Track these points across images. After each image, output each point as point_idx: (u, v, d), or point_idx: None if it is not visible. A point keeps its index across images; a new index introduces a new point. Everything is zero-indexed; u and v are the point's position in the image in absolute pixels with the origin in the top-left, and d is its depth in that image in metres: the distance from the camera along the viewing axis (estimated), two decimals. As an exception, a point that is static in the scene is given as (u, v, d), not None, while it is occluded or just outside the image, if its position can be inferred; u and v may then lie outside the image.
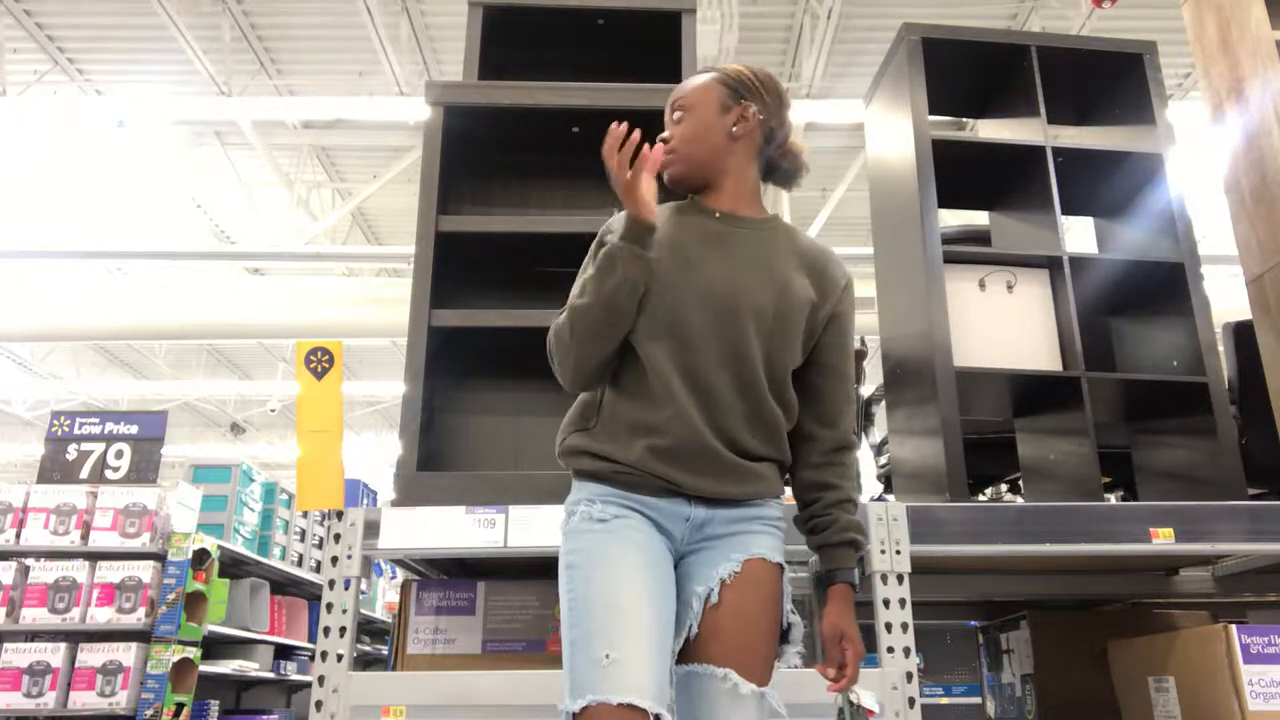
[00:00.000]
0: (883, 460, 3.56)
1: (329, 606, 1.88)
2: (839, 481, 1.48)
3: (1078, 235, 5.83)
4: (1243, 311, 2.64)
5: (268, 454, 14.71)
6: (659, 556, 1.36)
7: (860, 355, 3.80)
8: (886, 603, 1.89)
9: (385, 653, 5.72)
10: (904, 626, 1.87)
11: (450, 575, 2.49)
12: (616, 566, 1.30)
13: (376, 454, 13.86)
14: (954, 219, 5.81)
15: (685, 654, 1.34)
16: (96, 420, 4.16)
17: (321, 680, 1.82)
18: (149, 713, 3.61)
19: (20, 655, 3.64)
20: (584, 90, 2.43)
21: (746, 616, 1.36)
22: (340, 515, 1.94)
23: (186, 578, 3.81)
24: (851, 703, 1.40)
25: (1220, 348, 2.55)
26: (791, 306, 1.45)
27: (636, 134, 1.35)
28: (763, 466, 1.44)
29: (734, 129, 1.52)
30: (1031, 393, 2.49)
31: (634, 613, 1.25)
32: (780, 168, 1.59)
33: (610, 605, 1.26)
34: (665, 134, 1.55)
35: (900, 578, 1.92)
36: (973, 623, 2.91)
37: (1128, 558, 2.28)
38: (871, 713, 1.40)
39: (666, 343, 1.40)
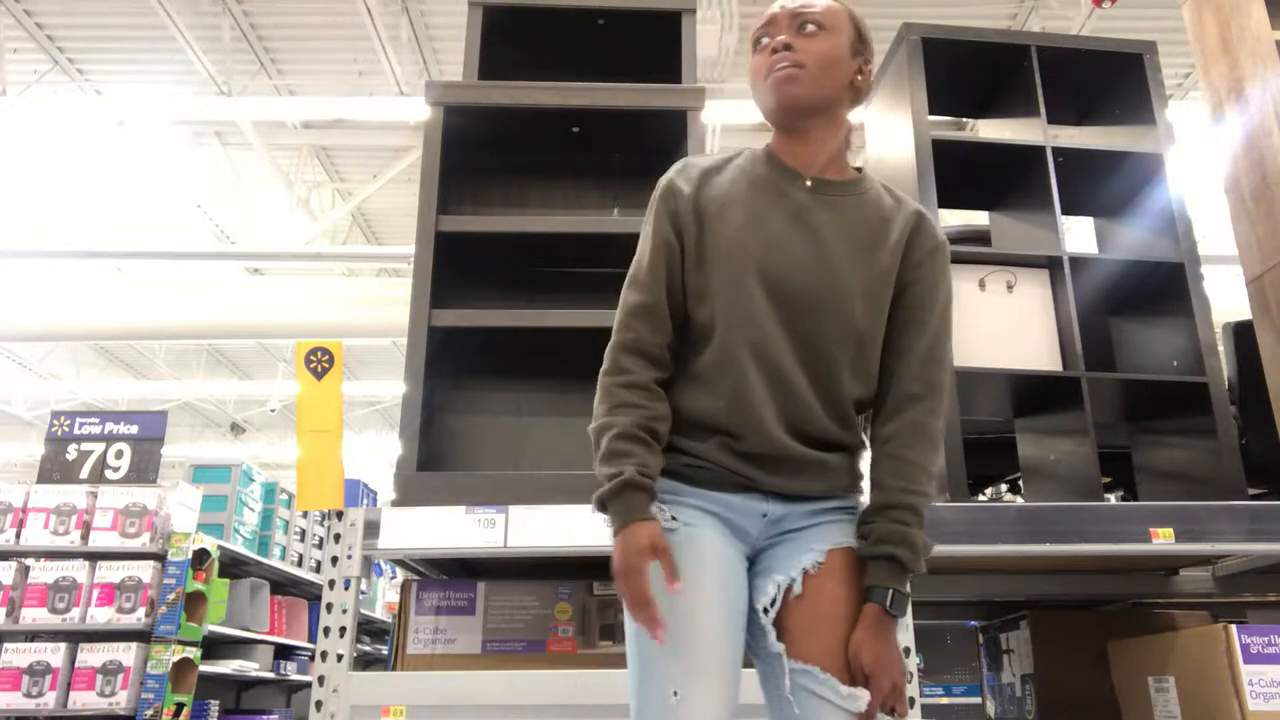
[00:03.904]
0: (883, 460, 3.55)
1: (329, 606, 1.88)
2: (886, 479, 1.28)
3: (1078, 235, 5.83)
4: (1243, 311, 2.64)
5: (268, 454, 14.70)
6: (730, 570, 1.26)
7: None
8: (886, 603, 1.89)
9: (385, 653, 5.72)
10: (904, 626, 1.87)
11: (450, 575, 2.49)
12: (685, 590, 1.20)
13: (376, 454, 13.86)
14: (954, 219, 5.80)
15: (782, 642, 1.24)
16: (96, 420, 4.17)
17: (321, 680, 1.82)
18: (149, 713, 3.61)
19: (20, 655, 3.64)
20: (584, 90, 2.42)
21: (828, 610, 1.24)
22: (340, 515, 1.94)
23: (186, 578, 3.81)
24: None
25: (1220, 348, 2.55)
26: (879, 287, 1.32)
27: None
28: (840, 458, 1.32)
29: (858, 78, 1.36)
30: (1031, 393, 2.49)
31: (704, 645, 1.18)
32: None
33: (678, 635, 1.18)
34: (785, 39, 1.31)
35: (900, 578, 1.92)
36: (973, 623, 2.91)
37: (1128, 558, 2.28)
38: None
39: (742, 329, 1.27)
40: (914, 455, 1.28)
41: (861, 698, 1.17)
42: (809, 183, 1.35)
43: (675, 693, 1.15)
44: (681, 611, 1.19)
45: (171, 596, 3.77)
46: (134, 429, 4.15)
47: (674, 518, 1.26)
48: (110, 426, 4.14)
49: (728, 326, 1.28)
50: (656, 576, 1.20)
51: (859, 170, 1.42)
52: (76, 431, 4.13)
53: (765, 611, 1.25)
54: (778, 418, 1.27)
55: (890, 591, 1.22)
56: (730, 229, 1.31)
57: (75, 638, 3.74)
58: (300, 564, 5.48)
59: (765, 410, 1.27)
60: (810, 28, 1.32)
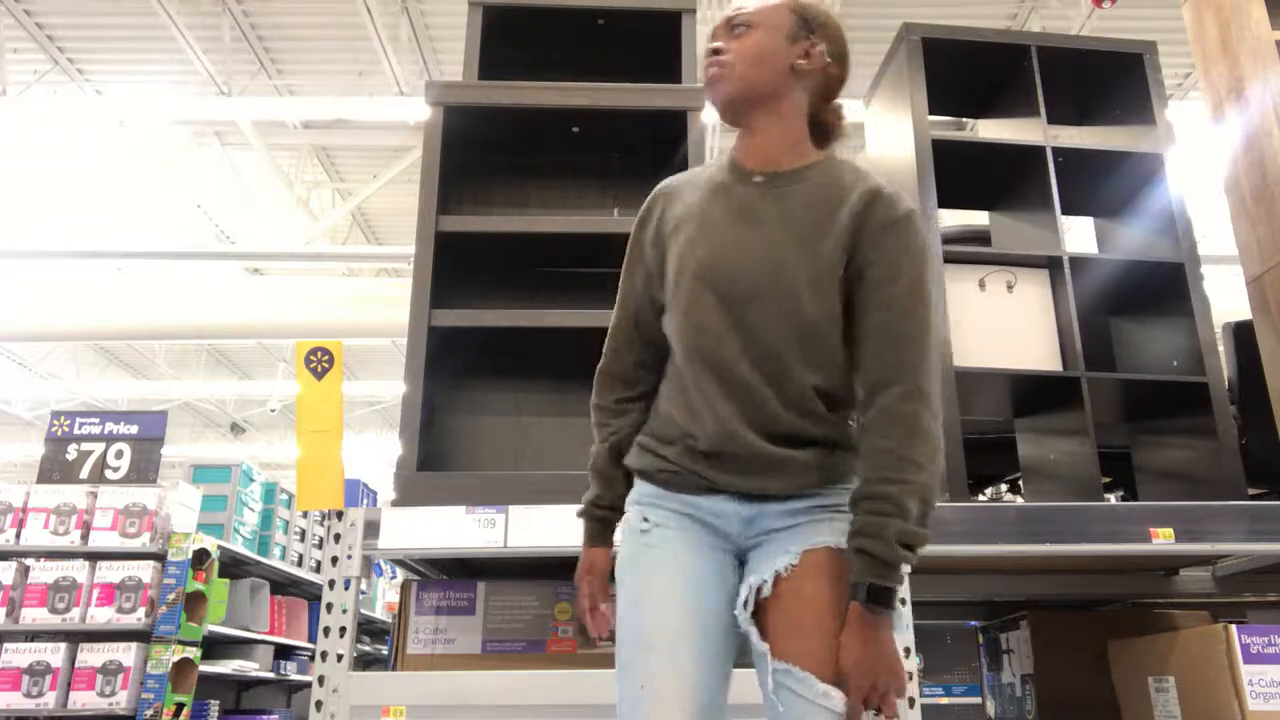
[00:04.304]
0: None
1: (329, 606, 1.88)
2: (865, 471, 1.26)
3: (1078, 235, 5.82)
4: (1243, 311, 2.64)
5: (268, 454, 14.71)
6: (701, 569, 1.30)
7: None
8: (886, 603, 1.88)
9: (385, 653, 5.72)
10: (904, 626, 1.87)
11: (450, 575, 2.50)
12: (651, 590, 1.28)
13: (376, 454, 13.86)
14: (954, 219, 5.80)
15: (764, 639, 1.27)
16: (96, 420, 4.16)
17: (321, 680, 1.82)
18: (149, 713, 3.61)
19: (20, 655, 3.64)
20: (584, 90, 2.43)
21: (807, 609, 1.23)
22: (340, 515, 1.94)
23: (186, 578, 3.81)
24: None
25: (1220, 348, 2.55)
26: (825, 272, 1.28)
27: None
28: (810, 455, 1.30)
29: (800, 62, 1.35)
30: (1031, 393, 2.49)
31: (667, 642, 1.23)
32: (822, 123, 1.42)
33: (644, 630, 1.25)
34: (717, 44, 1.37)
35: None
36: (973, 623, 2.91)
37: (1128, 558, 2.28)
38: None
39: (693, 336, 1.32)
40: (891, 444, 1.22)
41: (834, 697, 1.17)
42: (759, 179, 1.37)
43: (643, 686, 1.20)
44: (647, 611, 1.26)
45: (171, 596, 3.77)
46: (134, 429, 4.15)
47: (646, 519, 1.34)
48: (110, 426, 4.14)
49: (684, 334, 1.34)
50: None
51: (819, 159, 1.39)
52: (76, 431, 4.13)
53: (742, 613, 1.29)
54: (738, 417, 1.29)
55: (867, 586, 1.18)
56: (681, 243, 1.37)
57: (75, 638, 3.73)
58: (300, 564, 5.48)
59: (725, 412, 1.30)
60: (739, 29, 1.37)
